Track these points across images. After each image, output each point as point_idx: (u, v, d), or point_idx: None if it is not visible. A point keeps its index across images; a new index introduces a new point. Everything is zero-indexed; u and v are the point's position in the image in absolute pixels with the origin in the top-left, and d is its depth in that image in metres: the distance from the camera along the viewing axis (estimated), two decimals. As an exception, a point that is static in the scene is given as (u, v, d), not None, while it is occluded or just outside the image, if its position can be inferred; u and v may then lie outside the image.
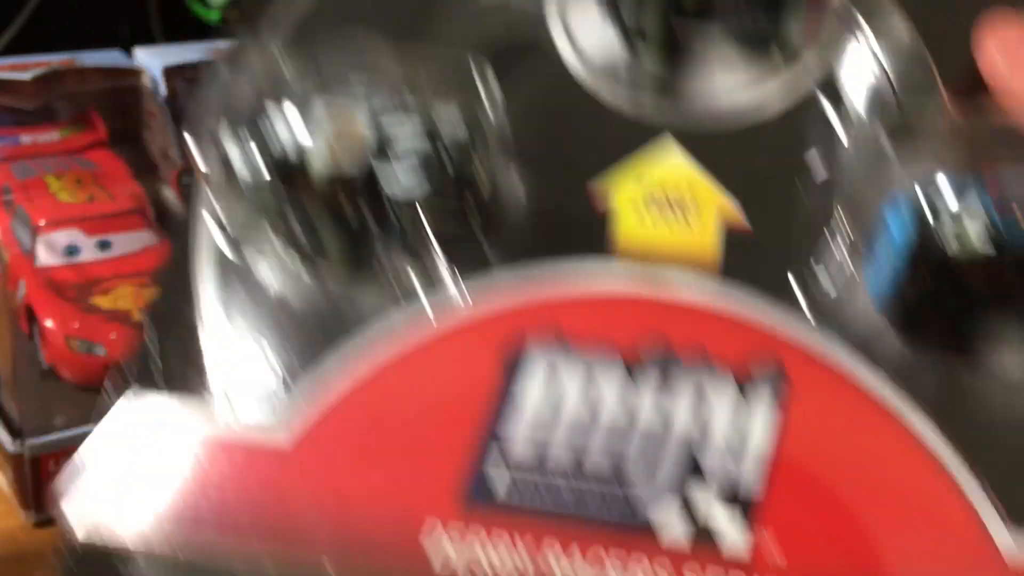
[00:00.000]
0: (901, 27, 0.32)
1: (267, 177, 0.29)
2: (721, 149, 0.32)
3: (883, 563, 0.24)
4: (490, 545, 0.24)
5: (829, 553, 0.24)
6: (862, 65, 0.32)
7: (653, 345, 0.27)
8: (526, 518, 0.25)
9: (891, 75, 0.32)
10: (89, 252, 0.55)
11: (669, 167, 0.31)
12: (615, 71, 0.33)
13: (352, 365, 0.27)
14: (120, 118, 0.65)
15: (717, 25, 0.33)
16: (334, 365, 0.28)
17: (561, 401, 0.26)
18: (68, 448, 0.49)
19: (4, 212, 0.55)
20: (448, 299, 0.28)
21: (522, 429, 0.26)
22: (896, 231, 0.27)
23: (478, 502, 0.25)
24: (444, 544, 0.25)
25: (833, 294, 0.29)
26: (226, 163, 0.30)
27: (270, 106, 0.30)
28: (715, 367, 0.26)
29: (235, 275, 0.31)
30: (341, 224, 0.30)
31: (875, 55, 0.32)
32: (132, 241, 0.56)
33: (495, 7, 0.34)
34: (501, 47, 0.33)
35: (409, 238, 0.30)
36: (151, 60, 0.67)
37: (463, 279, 0.29)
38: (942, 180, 0.27)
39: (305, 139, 0.29)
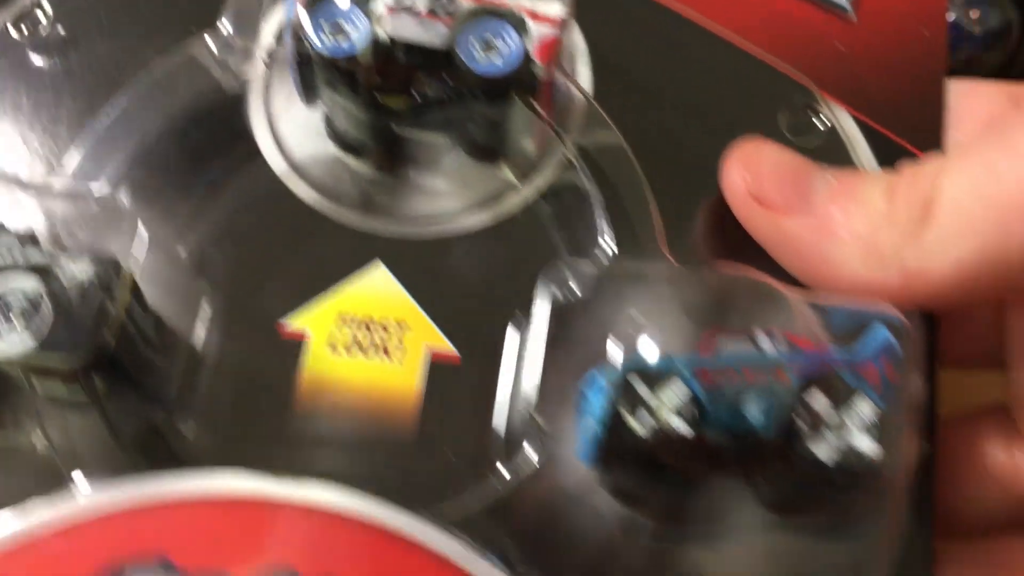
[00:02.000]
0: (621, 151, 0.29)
1: None
2: (436, 270, 0.29)
3: None
4: None
5: None
6: (572, 190, 0.29)
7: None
8: None
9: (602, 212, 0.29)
10: None
11: (378, 296, 0.29)
12: (323, 177, 0.30)
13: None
14: None
15: (438, 136, 0.30)
16: None
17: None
18: None
19: None
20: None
21: None
22: (593, 407, 0.24)
23: None
24: None
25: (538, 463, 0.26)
26: None
27: None
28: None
29: None
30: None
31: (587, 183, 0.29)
32: None
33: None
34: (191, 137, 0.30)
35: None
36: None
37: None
38: (643, 349, 0.24)
39: None
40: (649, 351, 0.24)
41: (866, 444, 0.24)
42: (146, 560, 0.22)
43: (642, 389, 0.24)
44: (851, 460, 0.24)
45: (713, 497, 0.27)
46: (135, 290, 0.26)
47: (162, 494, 0.23)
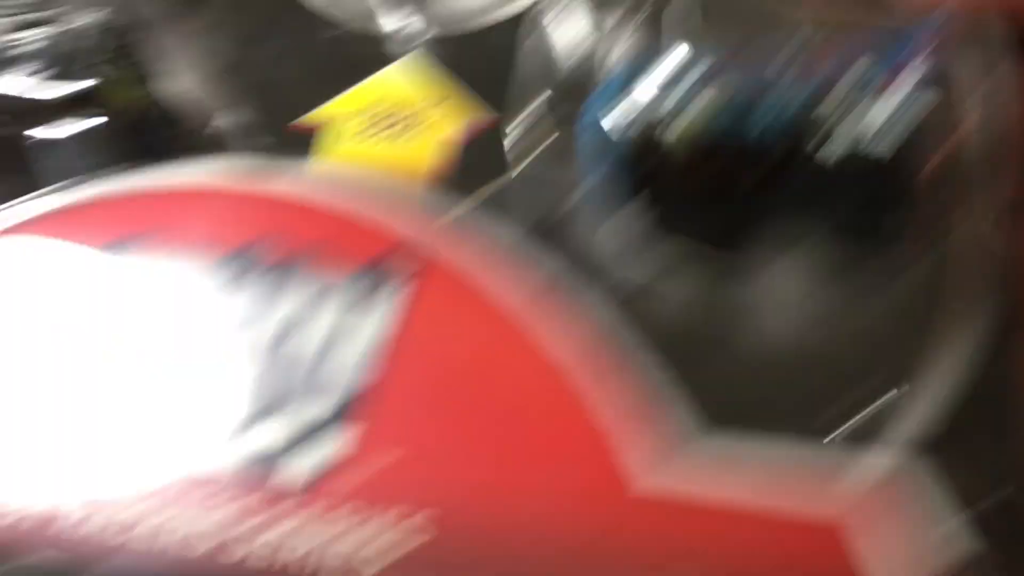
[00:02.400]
0: None
1: None
2: (461, 55, 0.29)
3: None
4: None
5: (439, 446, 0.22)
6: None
7: (263, 244, 0.24)
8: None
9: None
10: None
11: (403, 87, 0.29)
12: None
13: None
14: None
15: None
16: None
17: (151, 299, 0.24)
18: None
19: None
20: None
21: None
22: (601, 117, 0.24)
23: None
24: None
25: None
26: None
27: None
28: (331, 265, 0.23)
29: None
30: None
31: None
32: None
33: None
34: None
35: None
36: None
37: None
38: (674, 52, 0.23)
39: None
40: (661, 60, 0.23)
41: (879, 144, 0.21)
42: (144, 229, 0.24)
43: (649, 95, 0.23)
44: (863, 158, 0.21)
45: (761, 228, 0.24)
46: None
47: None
